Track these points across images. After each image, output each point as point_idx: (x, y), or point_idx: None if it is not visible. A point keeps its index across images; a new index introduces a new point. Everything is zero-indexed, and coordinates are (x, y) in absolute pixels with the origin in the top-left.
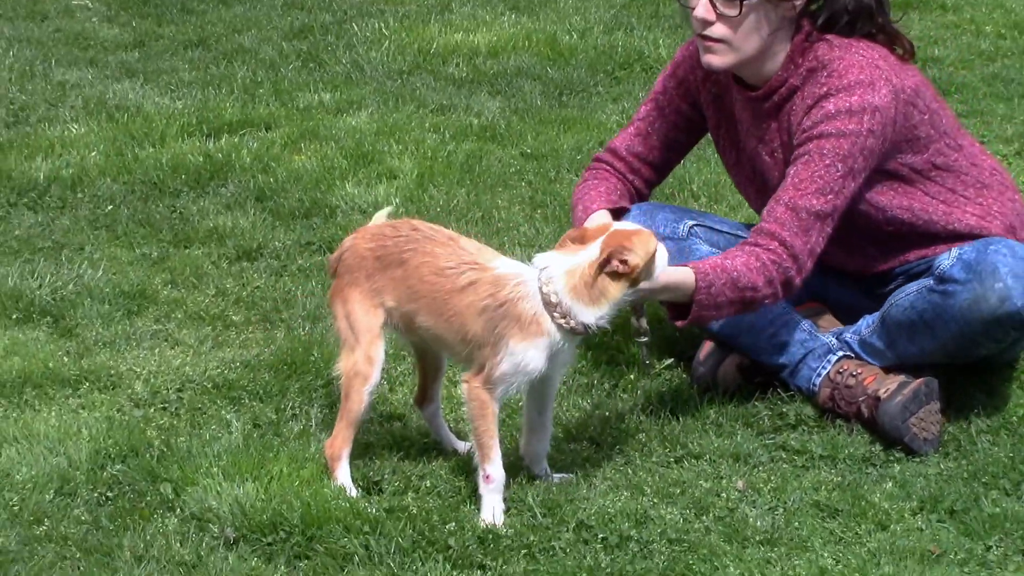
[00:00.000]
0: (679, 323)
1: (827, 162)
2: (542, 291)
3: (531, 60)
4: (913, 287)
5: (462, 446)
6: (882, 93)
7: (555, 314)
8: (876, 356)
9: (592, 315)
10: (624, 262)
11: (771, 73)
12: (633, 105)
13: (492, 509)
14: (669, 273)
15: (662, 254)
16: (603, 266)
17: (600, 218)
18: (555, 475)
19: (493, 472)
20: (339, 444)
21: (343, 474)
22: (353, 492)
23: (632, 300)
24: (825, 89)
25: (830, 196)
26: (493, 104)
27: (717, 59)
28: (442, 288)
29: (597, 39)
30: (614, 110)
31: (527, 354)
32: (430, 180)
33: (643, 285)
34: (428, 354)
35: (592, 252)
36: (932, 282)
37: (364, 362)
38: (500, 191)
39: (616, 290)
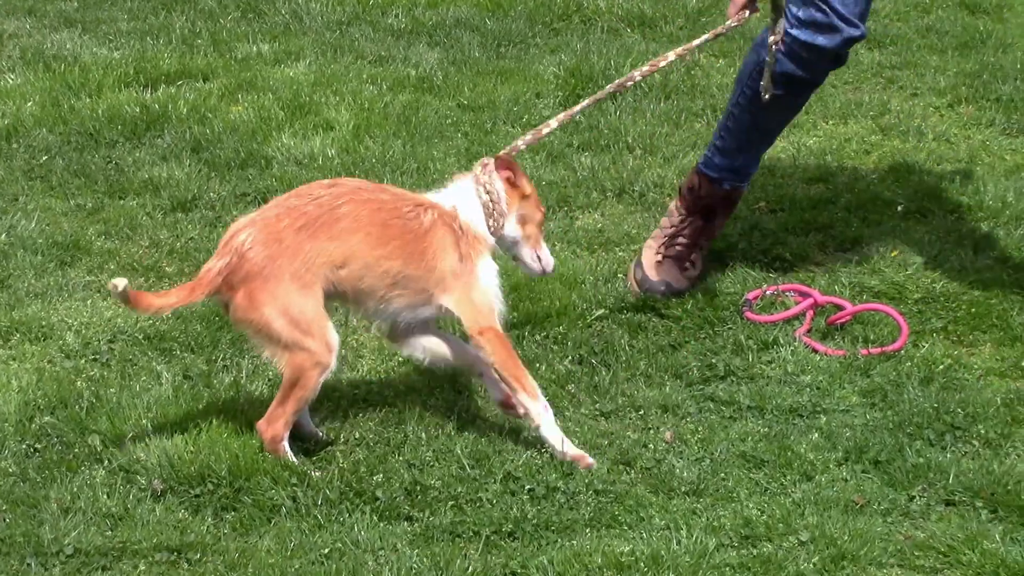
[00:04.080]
0: None
1: None
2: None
3: (470, 11)
4: None
5: (319, 432)
6: None
7: (491, 222)
8: None
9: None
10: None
11: None
12: (571, 57)
13: (560, 439)
14: None
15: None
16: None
17: None
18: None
19: (542, 401)
20: (282, 427)
21: (288, 452)
22: (296, 463)
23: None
24: None
25: None
26: (431, 55)
27: None
28: (410, 230)
29: None
30: (551, 61)
31: (491, 267)
32: (366, 131)
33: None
34: None
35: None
36: None
37: (324, 351)
38: (436, 142)
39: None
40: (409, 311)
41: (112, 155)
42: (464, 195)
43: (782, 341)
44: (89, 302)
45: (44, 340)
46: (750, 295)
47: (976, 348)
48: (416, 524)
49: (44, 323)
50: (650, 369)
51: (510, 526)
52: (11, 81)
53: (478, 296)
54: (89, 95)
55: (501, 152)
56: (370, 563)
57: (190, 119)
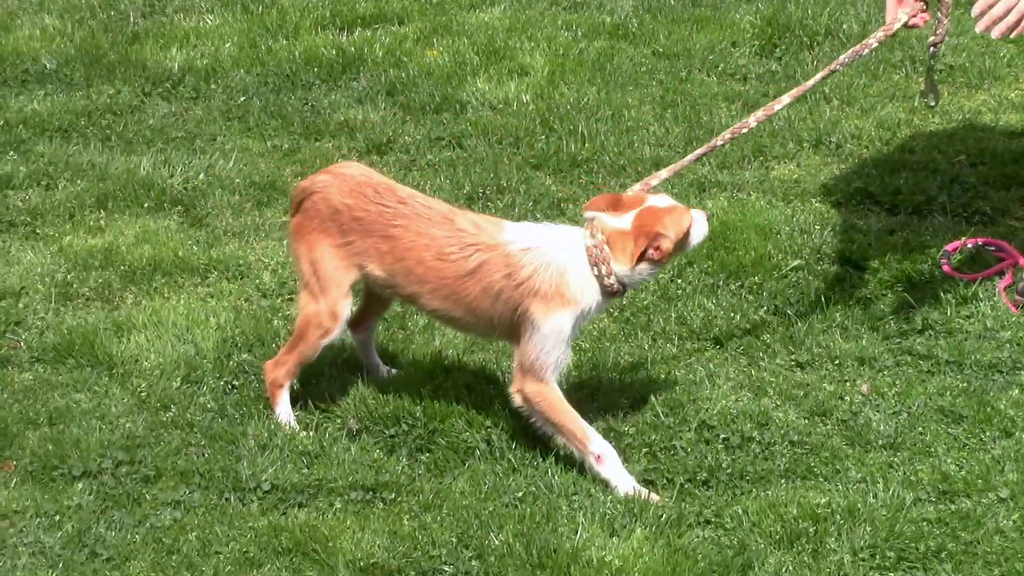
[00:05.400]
0: None
1: None
2: (589, 248)
3: None
4: None
5: (385, 370)
6: None
7: (600, 271)
8: None
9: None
10: (658, 248)
11: None
12: (767, 5)
13: (624, 480)
14: None
15: (698, 226)
16: (642, 256)
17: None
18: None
19: (599, 449)
20: (283, 375)
21: (284, 403)
22: (293, 423)
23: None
24: None
25: None
26: (627, 2)
27: None
28: (449, 273)
29: None
30: (748, 10)
31: (557, 324)
32: (561, 78)
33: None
34: (382, 297)
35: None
36: None
37: (328, 316)
38: (631, 90)
39: (651, 267)
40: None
41: (308, 97)
42: (565, 248)
43: (981, 296)
44: (285, 242)
45: (241, 279)
46: (949, 247)
47: None
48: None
49: (241, 262)
50: (846, 321)
51: (704, 474)
52: (210, 22)
53: (530, 350)
54: (286, 37)
55: (637, 186)
56: (564, 507)
57: (385, 62)
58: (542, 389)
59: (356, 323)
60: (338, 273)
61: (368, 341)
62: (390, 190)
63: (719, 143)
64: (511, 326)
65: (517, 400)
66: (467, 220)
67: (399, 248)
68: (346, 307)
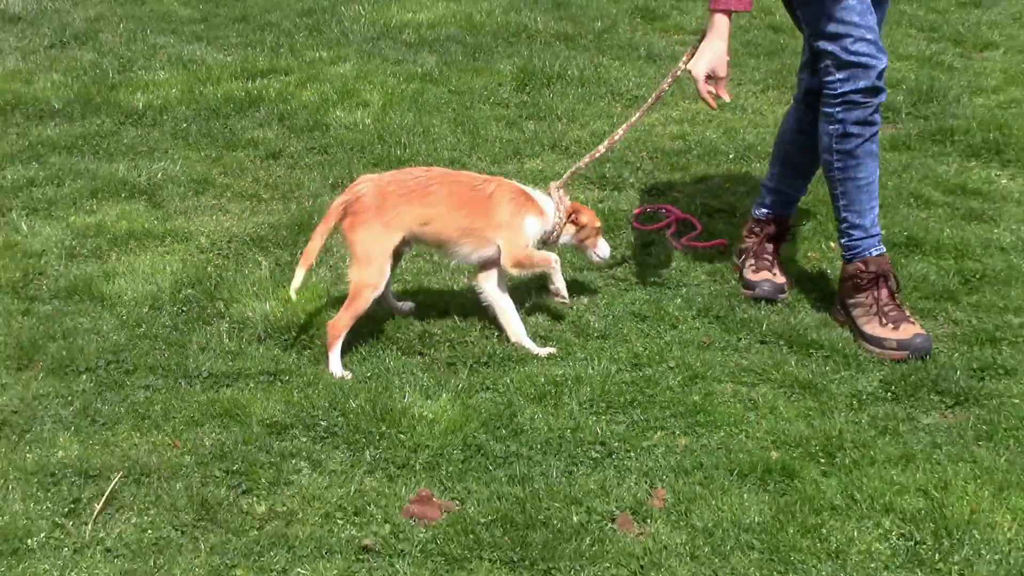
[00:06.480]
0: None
1: None
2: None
3: (455, 30)
4: None
5: (404, 305)
6: None
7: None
8: None
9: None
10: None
11: None
12: (520, 60)
13: (560, 280)
14: None
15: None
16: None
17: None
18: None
19: (558, 266)
20: (340, 328)
21: (337, 349)
22: (341, 370)
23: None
24: None
25: None
26: (431, 59)
27: None
28: (478, 196)
29: (498, 17)
30: (508, 63)
31: (536, 223)
32: (390, 108)
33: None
34: (399, 255)
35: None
36: None
37: (378, 275)
38: (435, 115)
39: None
40: (475, 253)
41: (227, 123)
42: (543, 198)
43: (657, 241)
44: (214, 217)
45: (186, 241)
46: (636, 210)
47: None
48: (425, 358)
49: (186, 230)
50: (573, 259)
51: (485, 358)
52: (162, 76)
53: (519, 240)
54: (212, 84)
55: (564, 176)
56: (396, 382)
57: (277, 100)
58: (522, 252)
59: None
60: (383, 244)
61: (387, 288)
62: (412, 169)
63: (601, 149)
64: (507, 227)
65: (511, 271)
66: (473, 174)
67: (438, 198)
68: (388, 269)
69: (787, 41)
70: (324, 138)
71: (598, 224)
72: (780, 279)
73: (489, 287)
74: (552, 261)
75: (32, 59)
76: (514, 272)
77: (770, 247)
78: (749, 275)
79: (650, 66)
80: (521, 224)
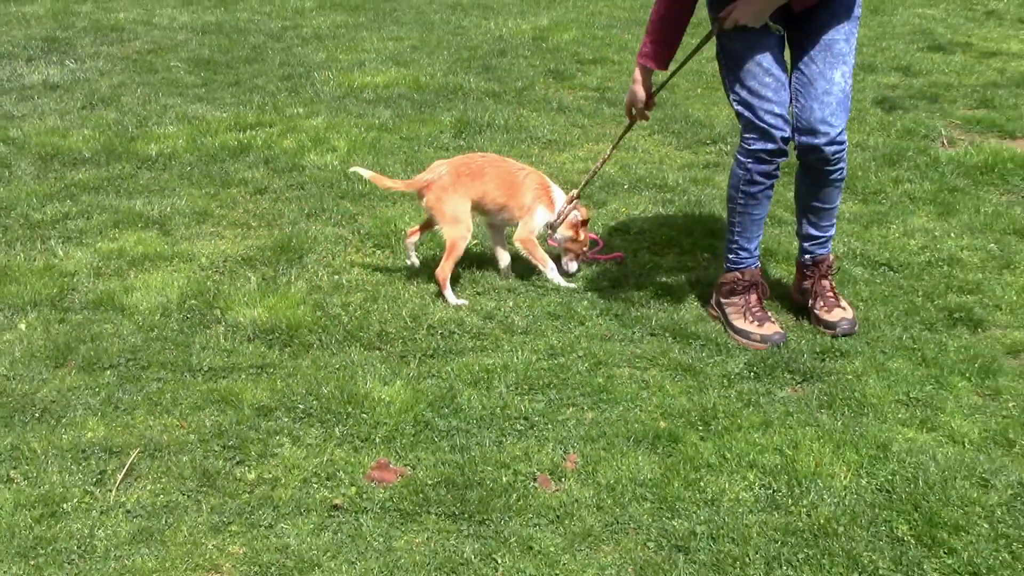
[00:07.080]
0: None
1: None
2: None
3: (405, 90)
4: None
5: (417, 260)
6: None
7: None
8: None
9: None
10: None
11: None
12: (458, 113)
13: (558, 277)
14: None
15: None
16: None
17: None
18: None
19: (552, 266)
20: (446, 273)
21: (450, 290)
22: (456, 299)
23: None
24: None
25: None
26: (386, 112)
27: None
28: (515, 180)
29: (439, 79)
30: (448, 115)
31: (544, 214)
32: (354, 152)
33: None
34: (432, 222)
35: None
36: None
37: (466, 230)
38: (391, 158)
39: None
40: (508, 221)
41: (223, 167)
42: (559, 196)
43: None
44: (212, 241)
45: (190, 261)
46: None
47: (662, 255)
48: (382, 352)
49: (189, 253)
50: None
51: (431, 352)
52: (171, 130)
53: (529, 223)
54: (211, 136)
55: (578, 188)
56: (360, 372)
57: (263, 147)
58: (531, 239)
59: (412, 233)
60: (465, 206)
61: (413, 245)
62: (473, 155)
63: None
64: (526, 209)
65: (518, 245)
66: (517, 163)
67: (490, 176)
68: (471, 224)
69: (668, 96)
70: (301, 177)
71: (586, 248)
72: (850, 311)
73: (496, 240)
74: (547, 264)
75: (67, 118)
76: (518, 246)
77: (826, 284)
78: (824, 316)
79: (560, 116)
80: (535, 210)
